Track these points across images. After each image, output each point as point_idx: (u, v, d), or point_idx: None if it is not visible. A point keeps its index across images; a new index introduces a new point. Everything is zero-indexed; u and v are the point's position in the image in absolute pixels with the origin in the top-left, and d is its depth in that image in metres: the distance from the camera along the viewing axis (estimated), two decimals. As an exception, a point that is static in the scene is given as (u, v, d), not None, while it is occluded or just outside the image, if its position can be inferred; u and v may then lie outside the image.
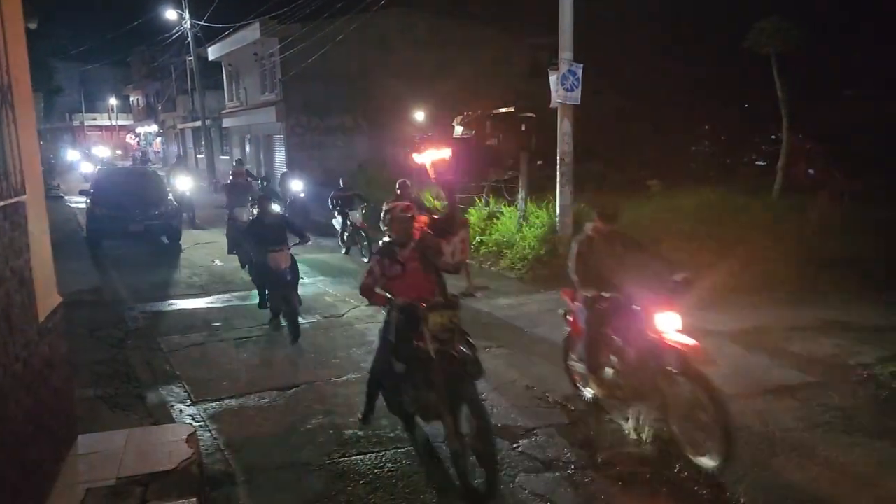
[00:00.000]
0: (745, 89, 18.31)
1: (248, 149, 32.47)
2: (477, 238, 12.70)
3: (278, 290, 8.38)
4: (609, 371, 5.44)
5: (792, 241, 10.25)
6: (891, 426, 5.38)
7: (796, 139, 14.64)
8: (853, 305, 8.56)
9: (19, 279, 3.87)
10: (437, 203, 14.56)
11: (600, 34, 17.91)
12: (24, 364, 3.80)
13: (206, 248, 15.22)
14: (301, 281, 11.30)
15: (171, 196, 15.94)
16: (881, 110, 15.08)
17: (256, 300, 9.21)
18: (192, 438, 4.84)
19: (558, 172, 11.25)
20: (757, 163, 18.87)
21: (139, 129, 59.38)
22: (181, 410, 6.09)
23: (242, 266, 11.65)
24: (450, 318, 4.61)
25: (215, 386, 6.64)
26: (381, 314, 5.12)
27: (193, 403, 6.24)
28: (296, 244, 8.50)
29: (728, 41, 15.70)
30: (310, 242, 9.15)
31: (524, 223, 12.28)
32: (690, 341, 4.73)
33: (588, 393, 5.77)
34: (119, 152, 50.32)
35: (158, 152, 51.08)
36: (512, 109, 21.11)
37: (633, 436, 5.19)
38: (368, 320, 8.84)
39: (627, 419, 5.29)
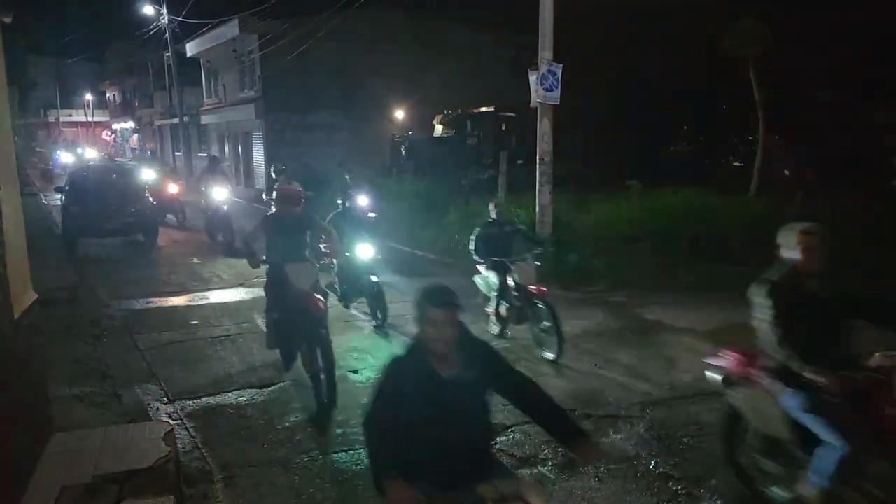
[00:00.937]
0: (723, 91, 18.55)
1: (226, 146, 32.23)
2: (456, 237, 12.72)
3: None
4: None
5: (767, 240, 10.39)
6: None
7: (773, 140, 14.87)
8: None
9: (-7, 275, 3.84)
10: None
11: (580, 35, 18.01)
12: (-2, 361, 3.76)
13: (185, 247, 15.12)
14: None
15: (147, 194, 15.77)
16: (855, 112, 15.36)
17: (235, 299, 9.15)
18: (168, 436, 4.81)
19: (538, 172, 11.31)
20: (734, 163, 19.14)
21: (115, 126, 58.70)
22: (158, 408, 6.05)
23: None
24: None
25: (192, 384, 6.61)
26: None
27: (170, 401, 6.20)
28: None
29: (706, 42, 15.90)
30: None
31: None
32: None
33: None
34: (112, 150, 49.62)
35: (135, 149, 50.51)
36: (492, 109, 21.28)
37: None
38: (346, 318, 8.84)
39: None
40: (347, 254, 8.12)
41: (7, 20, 5.29)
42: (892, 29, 14.39)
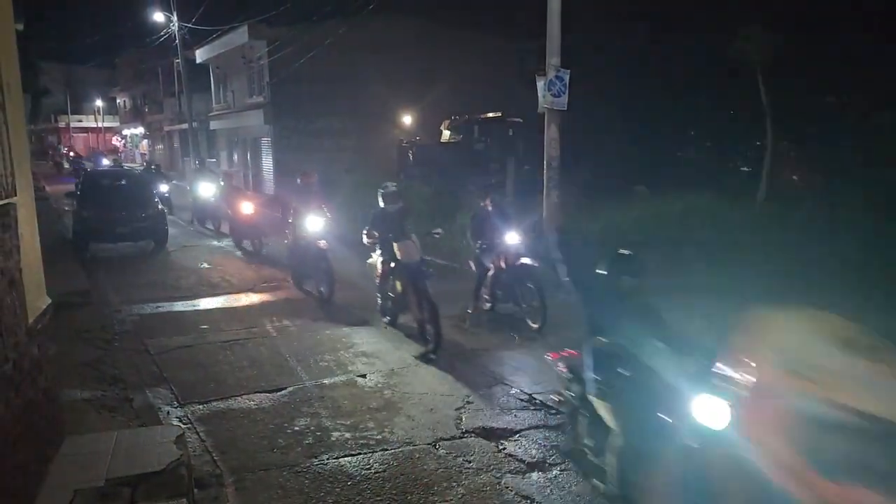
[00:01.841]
0: (731, 96, 18.51)
1: (235, 152, 32.40)
2: (463, 242, 12.74)
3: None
4: None
5: (775, 247, 10.38)
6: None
7: (780, 146, 14.84)
8: (836, 310, 8.64)
9: (9, 281, 3.89)
10: None
11: (588, 40, 18.06)
12: (13, 365, 3.81)
13: (194, 251, 15.20)
14: (288, 283, 11.38)
15: (157, 199, 15.90)
16: (862, 117, 15.31)
17: (245, 303, 9.28)
18: (180, 440, 4.85)
19: (545, 177, 11.34)
20: (742, 169, 19.08)
21: (125, 131, 59.07)
22: (169, 412, 6.10)
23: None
24: None
25: (203, 388, 6.66)
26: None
27: (181, 405, 6.25)
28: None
29: (714, 48, 15.90)
30: None
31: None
32: None
33: None
34: (121, 156, 50.35)
35: (145, 154, 50.81)
36: (499, 114, 21.31)
37: None
38: (356, 324, 8.89)
39: None
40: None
41: (19, 28, 5.37)
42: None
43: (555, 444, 5.29)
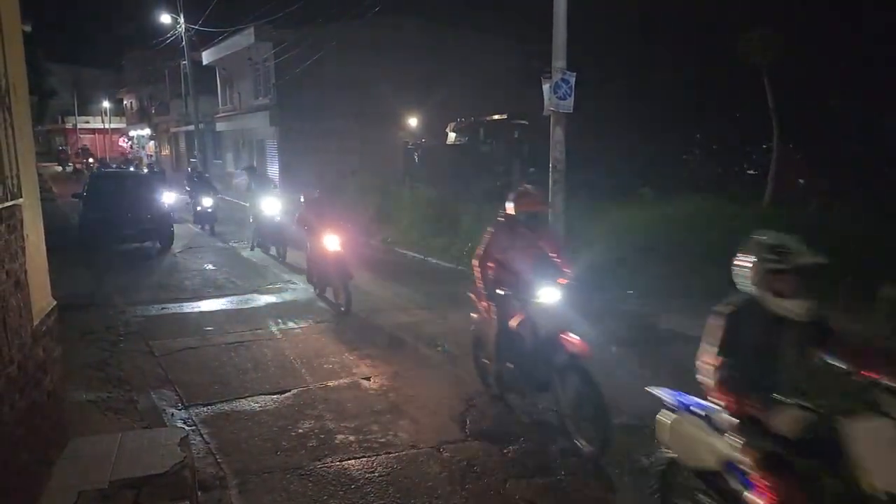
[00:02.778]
0: (737, 98, 18.48)
1: (241, 153, 32.47)
2: (469, 244, 12.74)
3: None
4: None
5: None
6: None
7: (787, 148, 14.79)
8: (840, 312, 8.60)
9: (15, 282, 3.89)
10: None
11: (594, 44, 18.03)
12: (18, 367, 3.81)
13: (199, 253, 15.23)
14: (294, 286, 11.40)
15: (163, 201, 15.95)
16: (868, 119, 15.26)
17: (250, 305, 9.28)
18: (184, 442, 4.85)
19: (550, 180, 11.31)
20: (748, 172, 19.03)
21: (132, 133, 59.26)
22: (173, 414, 6.10)
23: None
24: None
25: (207, 390, 6.66)
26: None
27: (185, 407, 6.25)
28: None
29: (719, 50, 15.87)
30: None
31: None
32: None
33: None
34: (130, 157, 50.17)
35: (151, 156, 50.97)
36: (505, 116, 21.31)
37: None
38: (362, 325, 8.89)
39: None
40: None
41: (27, 29, 5.38)
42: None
43: (559, 448, 5.27)
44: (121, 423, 5.75)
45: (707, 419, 3.42)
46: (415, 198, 16.84)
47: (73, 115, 64.60)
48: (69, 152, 52.90)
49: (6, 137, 3.84)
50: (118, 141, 59.47)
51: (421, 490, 4.70)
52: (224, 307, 10.11)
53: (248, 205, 15.64)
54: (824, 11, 15.07)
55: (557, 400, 5.44)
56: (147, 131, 53.98)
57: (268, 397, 6.44)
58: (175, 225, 16.22)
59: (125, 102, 62.55)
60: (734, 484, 3.22)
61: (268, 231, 14.39)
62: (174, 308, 10.09)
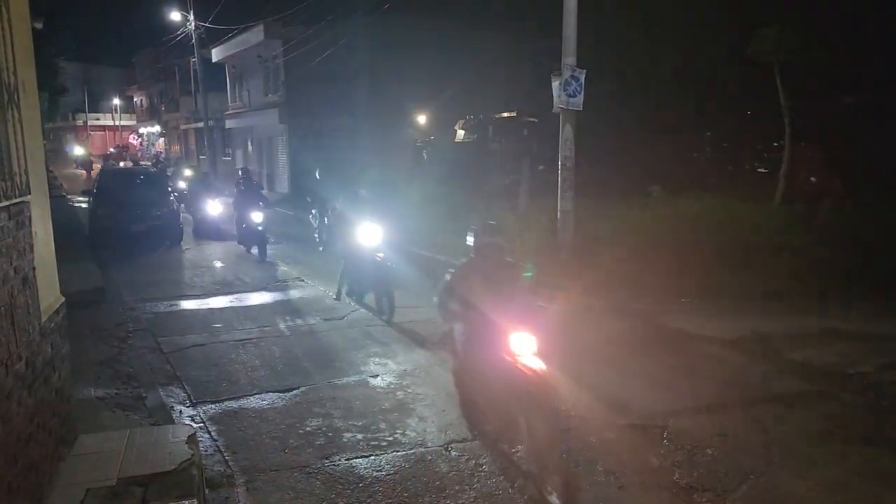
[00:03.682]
0: (747, 96, 18.33)
1: (250, 150, 32.53)
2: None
3: None
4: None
5: (794, 249, 10.27)
6: (892, 436, 5.38)
7: (798, 146, 14.66)
8: (854, 313, 8.56)
9: (23, 279, 3.89)
10: None
11: (605, 42, 17.92)
12: (26, 363, 3.81)
13: (209, 249, 15.26)
14: (302, 283, 11.40)
15: (172, 197, 16.00)
16: (883, 118, 15.09)
17: (258, 302, 9.26)
18: (192, 440, 4.84)
19: (560, 178, 11.27)
20: (759, 170, 18.87)
21: (142, 130, 59.55)
22: (181, 411, 6.10)
23: None
24: None
25: (215, 387, 6.66)
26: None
27: (193, 405, 6.25)
28: None
29: (730, 47, 15.74)
30: None
31: (525, 227, 12.29)
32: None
33: None
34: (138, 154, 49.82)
35: (160, 152, 51.19)
36: (514, 114, 21.25)
37: None
38: (368, 323, 8.87)
39: None
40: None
41: (38, 26, 5.39)
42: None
43: (567, 448, 5.23)
44: (129, 420, 5.75)
45: None
46: (423, 195, 16.81)
47: (84, 112, 64.99)
48: (88, 154, 46.64)
49: (14, 134, 3.83)
50: (128, 138, 59.83)
51: (429, 489, 4.67)
52: (232, 304, 10.12)
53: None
54: (839, 7, 14.91)
55: None
56: (157, 128, 54.22)
57: (276, 395, 6.43)
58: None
59: (135, 100, 62.89)
60: None
61: (361, 271, 9.79)
62: (183, 304, 10.11)
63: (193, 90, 37.83)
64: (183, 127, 45.02)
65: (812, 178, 15.54)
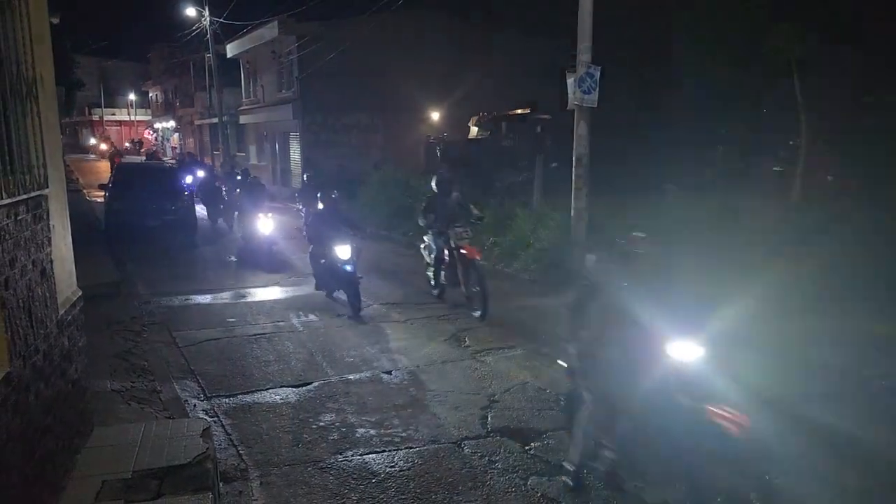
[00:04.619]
0: (764, 94, 18.19)
1: (264, 146, 32.62)
2: (491, 239, 12.68)
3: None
4: None
5: (811, 247, 10.14)
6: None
7: (815, 145, 14.52)
8: (874, 314, 8.44)
9: (40, 272, 3.92)
10: None
11: (617, 40, 17.83)
12: (43, 356, 3.84)
13: (223, 245, 15.32)
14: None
15: (186, 192, 16.09)
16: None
17: (272, 297, 9.29)
18: (206, 433, 4.86)
19: (574, 175, 11.21)
20: (774, 168, 18.72)
21: (157, 125, 59.87)
22: (196, 405, 6.13)
23: None
24: None
25: (229, 381, 6.69)
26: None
27: (208, 398, 6.28)
28: None
29: (746, 44, 15.59)
30: None
31: (538, 225, 12.24)
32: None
33: None
34: (154, 149, 49.40)
35: (175, 148, 51.43)
36: (528, 111, 21.16)
37: None
38: (382, 319, 8.87)
39: None
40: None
41: (55, 21, 5.41)
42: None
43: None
44: (144, 413, 5.78)
45: None
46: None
47: (100, 106, 65.44)
48: (110, 147, 45.93)
49: (33, 128, 3.85)
50: (143, 133, 60.19)
51: (442, 486, 4.67)
52: (245, 300, 10.16)
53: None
54: (858, 5, 14.73)
55: None
56: (172, 123, 54.47)
57: (289, 389, 6.45)
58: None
59: (151, 95, 63.20)
60: None
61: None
62: (198, 299, 10.16)
63: (208, 85, 37.97)
64: (197, 122, 45.17)
65: (829, 177, 15.40)
